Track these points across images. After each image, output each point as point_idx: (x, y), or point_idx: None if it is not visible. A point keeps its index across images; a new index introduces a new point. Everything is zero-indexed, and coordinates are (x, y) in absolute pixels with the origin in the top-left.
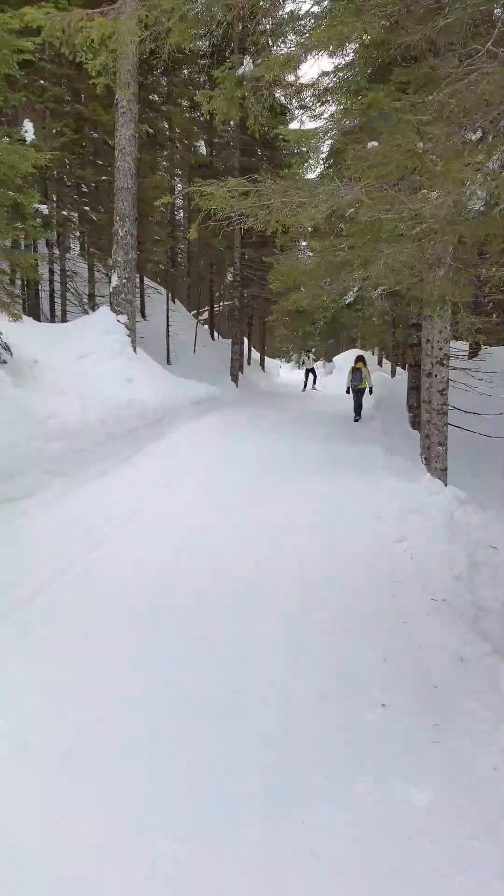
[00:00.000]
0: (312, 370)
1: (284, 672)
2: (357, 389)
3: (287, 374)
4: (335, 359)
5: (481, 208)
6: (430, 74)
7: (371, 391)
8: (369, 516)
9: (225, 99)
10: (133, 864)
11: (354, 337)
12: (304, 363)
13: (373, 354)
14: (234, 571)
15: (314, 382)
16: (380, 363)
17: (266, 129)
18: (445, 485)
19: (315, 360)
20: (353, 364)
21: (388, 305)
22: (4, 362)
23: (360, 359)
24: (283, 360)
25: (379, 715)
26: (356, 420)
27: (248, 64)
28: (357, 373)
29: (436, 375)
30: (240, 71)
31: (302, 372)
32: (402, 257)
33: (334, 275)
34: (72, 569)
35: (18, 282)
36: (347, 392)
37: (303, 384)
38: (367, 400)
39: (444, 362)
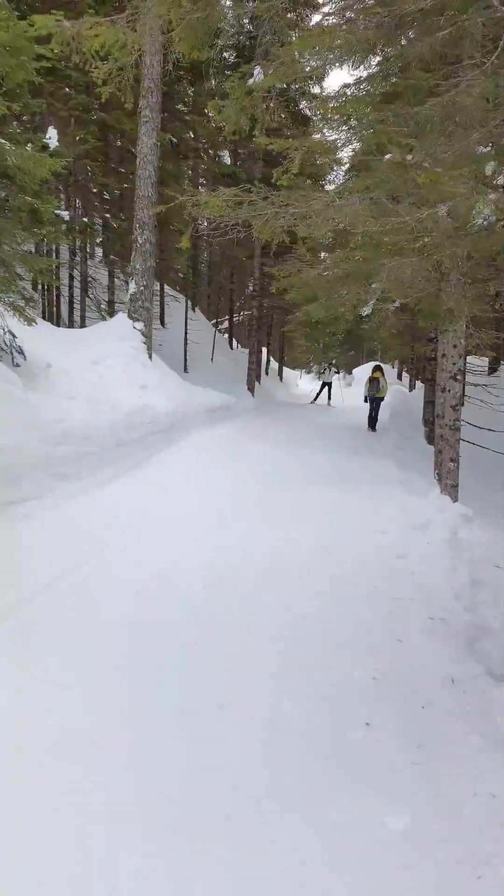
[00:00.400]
0: (329, 384)
1: (271, 687)
2: (374, 399)
3: (307, 385)
4: (354, 371)
5: (484, 223)
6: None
7: (382, 399)
8: (373, 531)
9: (234, 109)
10: (95, 878)
11: (375, 350)
12: (322, 375)
13: (392, 367)
14: (229, 583)
15: (329, 397)
16: (399, 377)
17: (271, 144)
18: (456, 501)
19: (335, 374)
20: (370, 374)
21: (396, 320)
22: (17, 365)
23: (377, 368)
24: (304, 371)
25: (362, 734)
26: (371, 430)
27: (258, 74)
28: (374, 382)
29: (449, 391)
30: (250, 81)
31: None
32: (406, 271)
33: (345, 287)
34: (68, 575)
35: (39, 287)
36: (365, 401)
37: (314, 395)
38: (382, 412)
39: (458, 377)
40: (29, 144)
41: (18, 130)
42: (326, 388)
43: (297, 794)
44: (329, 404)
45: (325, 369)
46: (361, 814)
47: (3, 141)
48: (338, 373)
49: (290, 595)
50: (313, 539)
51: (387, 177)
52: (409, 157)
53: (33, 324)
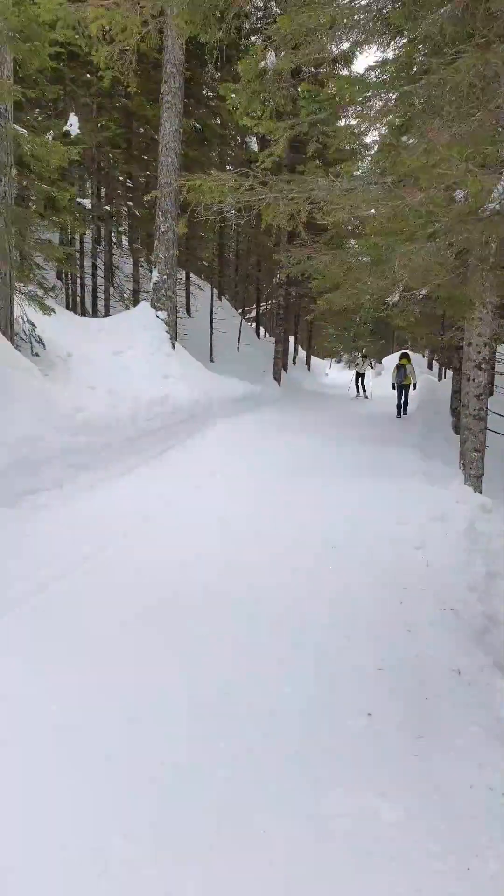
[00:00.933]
0: (363, 374)
1: (275, 674)
2: (401, 385)
3: (336, 374)
4: (384, 360)
5: (497, 206)
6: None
7: (415, 386)
8: (391, 522)
9: (246, 92)
10: (84, 862)
11: (405, 339)
12: (357, 365)
13: (423, 356)
14: (243, 571)
15: (364, 388)
16: (429, 366)
17: (257, 126)
18: (480, 492)
19: (369, 365)
20: (398, 361)
21: (420, 307)
22: (37, 355)
23: (404, 355)
24: (334, 360)
25: (363, 724)
26: (399, 416)
27: (271, 56)
28: (401, 370)
29: (473, 380)
30: (262, 64)
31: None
32: (418, 257)
33: (368, 275)
34: (82, 565)
35: (63, 276)
36: (393, 388)
37: (353, 388)
38: (410, 400)
39: (483, 366)
40: (50, 133)
41: (39, 118)
42: (360, 378)
43: (292, 785)
44: (365, 396)
45: (358, 360)
46: (356, 805)
47: (20, 129)
48: (371, 366)
49: (302, 584)
50: (329, 530)
51: (388, 161)
52: (405, 138)
53: (52, 313)
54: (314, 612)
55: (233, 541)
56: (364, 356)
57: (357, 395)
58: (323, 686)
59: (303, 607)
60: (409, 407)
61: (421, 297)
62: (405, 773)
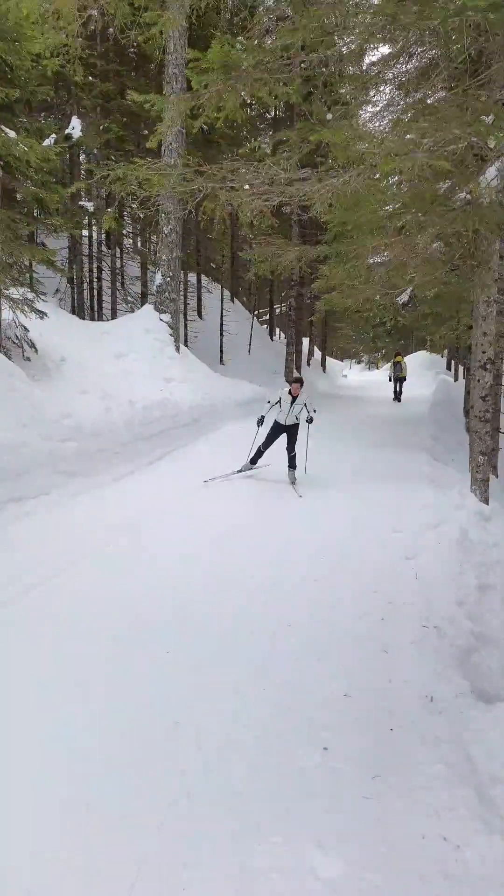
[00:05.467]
0: (403, 379)
1: (232, 704)
2: (399, 378)
3: (355, 375)
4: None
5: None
6: None
7: (404, 379)
8: (387, 529)
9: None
10: None
11: (424, 339)
12: (395, 368)
13: (441, 357)
14: (223, 587)
15: (400, 392)
16: (448, 366)
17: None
18: (487, 496)
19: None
20: (394, 358)
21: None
22: (28, 359)
23: (398, 353)
24: (353, 361)
25: (317, 761)
26: (398, 401)
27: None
28: (398, 365)
29: (479, 380)
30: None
31: (384, 374)
32: (388, 253)
33: (372, 274)
34: (59, 575)
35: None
36: (389, 380)
37: (394, 394)
38: (423, 404)
39: (488, 367)
40: (52, 136)
41: (42, 121)
42: (399, 383)
43: (226, 832)
44: (399, 400)
45: (397, 363)
46: (291, 857)
47: (8, 131)
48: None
49: (281, 600)
50: (321, 539)
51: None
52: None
53: (44, 317)
54: (288, 630)
55: (216, 555)
56: (396, 361)
57: (395, 400)
58: (280, 716)
59: (276, 626)
60: (402, 396)
61: (406, 299)
62: (353, 820)
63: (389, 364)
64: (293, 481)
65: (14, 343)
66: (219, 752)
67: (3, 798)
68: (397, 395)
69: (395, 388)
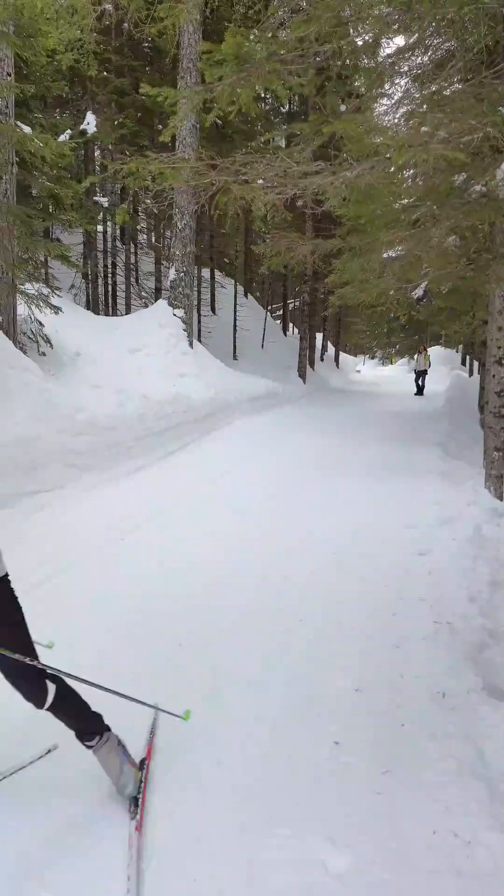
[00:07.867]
0: (425, 372)
1: (243, 697)
2: (419, 371)
3: (369, 371)
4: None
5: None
6: None
7: (426, 373)
8: (400, 525)
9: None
10: None
11: (439, 334)
12: (417, 362)
13: (457, 352)
14: (235, 581)
15: (423, 387)
16: (463, 362)
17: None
18: (501, 492)
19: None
20: (418, 351)
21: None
22: (43, 354)
23: (422, 345)
24: (368, 356)
25: (326, 755)
26: (420, 394)
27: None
28: (419, 357)
29: (493, 375)
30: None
31: (398, 370)
32: (402, 247)
33: (382, 268)
34: (70, 569)
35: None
36: (415, 372)
37: (416, 389)
38: (437, 399)
39: (503, 362)
40: (68, 132)
41: (58, 117)
42: (421, 377)
43: (234, 826)
44: (421, 394)
45: (419, 358)
46: (301, 850)
47: (24, 127)
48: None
49: (292, 595)
50: (333, 535)
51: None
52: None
53: (59, 312)
54: (300, 625)
55: (227, 550)
56: (420, 351)
57: (417, 394)
58: (292, 710)
59: (288, 621)
60: (424, 390)
61: (421, 294)
62: (363, 814)
63: (414, 357)
64: None
65: (30, 338)
66: (228, 745)
67: None
68: (420, 389)
69: (417, 381)
